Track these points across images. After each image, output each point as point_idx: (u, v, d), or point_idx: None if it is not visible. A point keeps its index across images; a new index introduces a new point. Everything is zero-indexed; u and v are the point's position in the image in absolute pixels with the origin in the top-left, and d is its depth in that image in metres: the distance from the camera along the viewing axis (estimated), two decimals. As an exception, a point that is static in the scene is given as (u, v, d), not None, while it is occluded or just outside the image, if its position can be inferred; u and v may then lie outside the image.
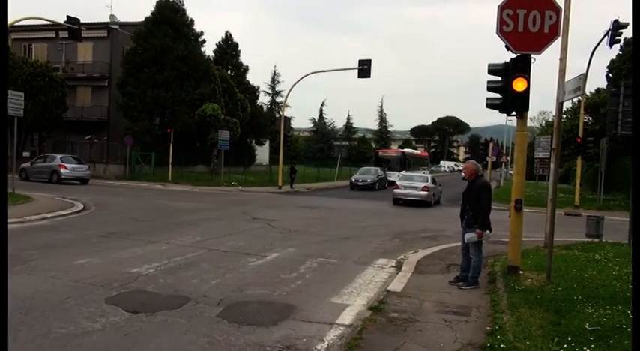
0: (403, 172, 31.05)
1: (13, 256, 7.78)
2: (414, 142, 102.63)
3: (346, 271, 8.09)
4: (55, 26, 29.05)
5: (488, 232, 6.92)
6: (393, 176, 36.89)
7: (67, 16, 20.37)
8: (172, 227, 11.92)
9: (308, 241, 10.80)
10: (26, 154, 35.38)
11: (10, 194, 15.46)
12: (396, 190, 21.94)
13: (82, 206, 15.10)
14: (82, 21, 20.85)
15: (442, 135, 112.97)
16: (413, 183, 22.09)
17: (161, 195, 21.63)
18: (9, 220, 11.43)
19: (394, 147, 75.57)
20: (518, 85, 7.14)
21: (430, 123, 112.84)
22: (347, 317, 5.59)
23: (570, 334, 4.76)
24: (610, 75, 34.38)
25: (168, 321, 5.18)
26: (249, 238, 10.86)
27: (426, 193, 21.46)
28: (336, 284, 7.09)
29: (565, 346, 4.47)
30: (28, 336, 4.59)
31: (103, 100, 36.97)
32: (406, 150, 46.99)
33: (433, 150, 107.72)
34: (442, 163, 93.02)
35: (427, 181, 22.44)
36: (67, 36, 23.10)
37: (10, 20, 20.25)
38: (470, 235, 6.88)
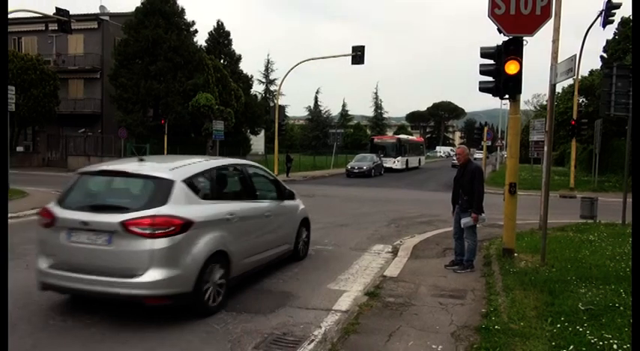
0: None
1: (9, 251, 7.78)
2: (409, 128, 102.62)
3: (343, 257, 8.13)
4: (44, 19, 28.75)
5: (483, 215, 6.95)
6: (389, 163, 37.02)
7: (56, 8, 20.12)
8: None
9: (304, 229, 10.80)
10: (20, 148, 35.22)
11: (5, 189, 15.42)
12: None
13: (77, 200, 15.05)
14: (71, 13, 20.60)
15: (437, 120, 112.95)
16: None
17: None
18: (4, 215, 11.43)
19: (390, 133, 75.58)
20: (511, 67, 7.13)
21: (425, 108, 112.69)
22: (343, 303, 5.64)
23: (564, 314, 4.81)
24: (604, 56, 34.33)
25: (167, 309, 5.20)
26: (245, 227, 10.87)
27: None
28: (332, 271, 7.14)
29: (559, 326, 4.53)
30: (26, 330, 4.61)
31: (96, 92, 36.69)
32: (401, 136, 47.00)
33: (429, 135, 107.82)
34: (438, 148, 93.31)
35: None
36: (56, 28, 22.86)
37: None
38: (466, 220, 6.90)
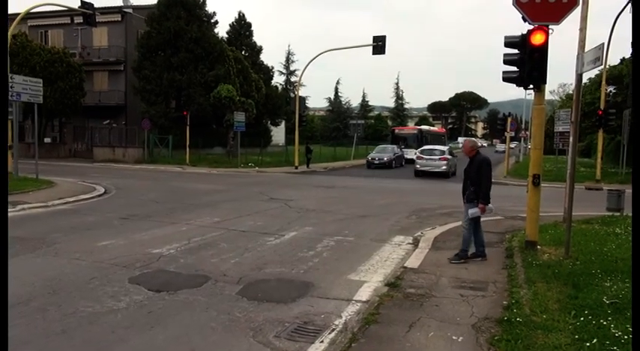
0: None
1: (39, 240, 8.05)
2: (431, 119, 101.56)
3: (363, 248, 8.15)
4: (69, 12, 29.21)
5: (490, 205, 6.95)
6: (410, 154, 36.73)
7: (81, 1, 20.43)
8: (191, 209, 12.11)
9: (325, 220, 10.88)
10: (47, 140, 36.10)
11: (34, 179, 15.87)
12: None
13: (102, 190, 15.41)
14: (95, 6, 20.92)
15: (460, 111, 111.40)
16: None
17: (179, 177, 21.92)
18: (34, 204, 11.79)
19: (411, 124, 74.87)
20: (537, 37, 6.96)
21: (447, 99, 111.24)
22: (364, 294, 5.67)
23: (587, 307, 4.75)
24: (634, 44, 33.22)
25: (189, 299, 5.33)
26: (266, 218, 10.99)
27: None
28: (353, 262, 7.17)
29: (582, 319, 4.48)
30: (55, 315, 4.77)
31: (120, 84, 37.29)
32: (423, 127, 46.52)
33: (451, 126, 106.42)
34: (460, 139, 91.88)
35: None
36: (82, 21, 23.28)
37: (25, 7, 20.43)
38: (473, 210, 6.91)
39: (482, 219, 7.35)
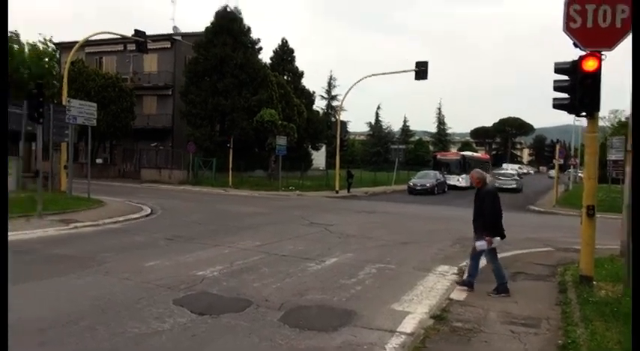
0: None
1: (90, 258, 8.32)
2: (474, 144, 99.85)
3: (406, 277, 7.97)
4: (123, 39, 30.83)
5: (498, 238, 6.80)
6: (453, 180, 36.07)
7: (135, 30, 21.63)
8: (233, 231, 12.26)
9: (366, 246, 10.75)
10: (99, 160, 37.74)
11: (86, 199, 16.54)
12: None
13: (149, 210, 15.87)
14: (147, 33, 22.01)
15: (504, 136, 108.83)
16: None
17: (222, 199, 22.31)
18: (86, 223, 12.24)
19: (453, 149, 73.78)
20: (589, 63, 6.75)
21: (491, 124, 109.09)
22: (408, 325, 5.50)
23: (653, 350, 4.42)
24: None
25: (232, 323, 5.33)
26: (307, 242, 10.97)
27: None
28: (396, 291, 7.01)
29: (647, 363, 4.16)
30: (104, 334, 4.87)
31: (168, 108, 38.76)
32: (466, 153, 45.74)
33: (494, 152, 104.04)
34: (504, 165, 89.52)
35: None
36: (134, 48, 24.52)
37: (84, 36, 21.71)
38: (480, 243, 6.79)
39: (532, 250, 7.08)
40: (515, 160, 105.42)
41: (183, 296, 6.26)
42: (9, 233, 10.17)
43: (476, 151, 71.08)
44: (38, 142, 14.05)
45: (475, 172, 7.27)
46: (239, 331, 5.12)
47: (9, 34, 41.91)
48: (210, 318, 5.48)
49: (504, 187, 35.05)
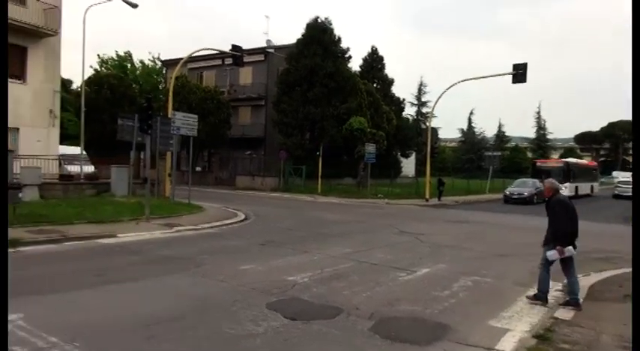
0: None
1: (190, 260, 8.85)
2: (578, 151, 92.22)
3: (504, 292, 7.52)
4: (221, 55, 32.74)
5: (571, 248, 6.60)
6: (555, 188, 33.54)
7: (232, 45, 22.91)
8: (323, 238, 12.39)
9: (459, 257, 10.32)
10: (198, 168, 40.28)
11: (187, 204, 17.67)
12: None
13: (243, 216, 16.57)
14: (242, 48, 23.19)
15: (614, 142, 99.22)
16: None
17: (311, 206, 22.70)
18: (187, 227, 13.07)
19: (554, 156, 68.86)
20: None
21: (599, 128, 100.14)
22: (508, 344, 5.16)
23: None
24: None
25: (323, 331, 5.35)
26: (397, 251, 10.77)
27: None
28: (493, 306, 6.62)
29: None
30: (204, 333, 5.12)
31: (261, 118, 40.42)
32: (570, 159, 42.36)
33: (603, 159, 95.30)
34: (615, 173, 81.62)
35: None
36: (231, 62, 25.94)
37: (188, 52, 23.34)
38: (551, 253, 6.65)
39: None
40: (626, 167, 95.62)
41: (275, 300, 6.41)
42: (123, 235, 11.18)
43: (581, 158, 65.57)
44: (146, 151, 15.32)
45: (547, 182, 7.21)
46: (330, 338, 5.13)
47: (123, 54, 46.50)
48: (301, 323, 5.55)
49: (624, 194, 34.51)
